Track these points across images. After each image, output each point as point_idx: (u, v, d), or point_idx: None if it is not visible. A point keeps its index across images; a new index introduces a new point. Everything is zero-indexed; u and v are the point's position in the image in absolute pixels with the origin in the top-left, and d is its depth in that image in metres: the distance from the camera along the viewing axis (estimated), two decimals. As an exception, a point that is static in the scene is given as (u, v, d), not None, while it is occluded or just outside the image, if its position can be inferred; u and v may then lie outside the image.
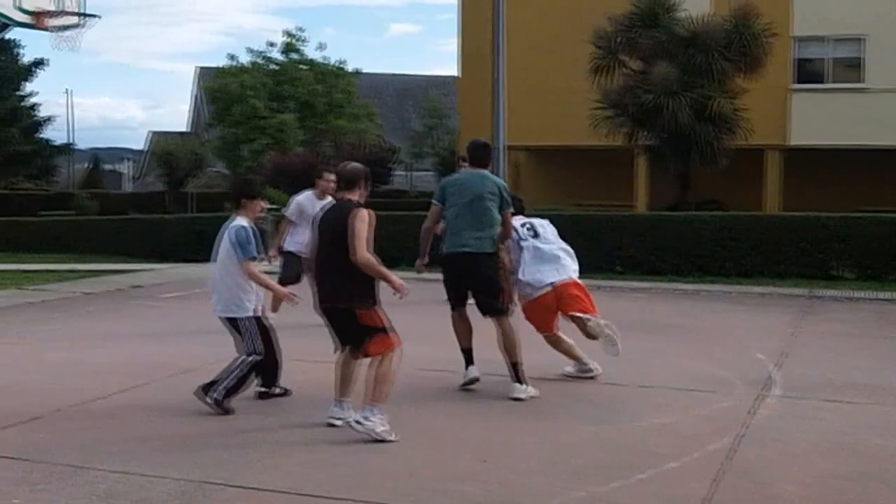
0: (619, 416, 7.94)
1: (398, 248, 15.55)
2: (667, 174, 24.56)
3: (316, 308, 7.54)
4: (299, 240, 11.68)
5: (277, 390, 8.34)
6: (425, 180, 49.69)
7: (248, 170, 37.79)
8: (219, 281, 8.08)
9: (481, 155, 9.23)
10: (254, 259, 8.00)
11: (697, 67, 22.31)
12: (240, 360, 7.96)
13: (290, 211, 11.99)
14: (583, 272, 18.14)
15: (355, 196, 7.45)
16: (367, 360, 7.31)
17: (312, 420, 7.64)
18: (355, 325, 7.23)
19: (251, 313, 8.03)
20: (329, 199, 11.58)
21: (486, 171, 9.06)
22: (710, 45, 22.30)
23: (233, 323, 8.03)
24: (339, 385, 7.51)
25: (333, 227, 7.25)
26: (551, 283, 9.23)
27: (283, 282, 11.22)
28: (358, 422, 7.02)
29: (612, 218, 19.66)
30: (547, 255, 9.38)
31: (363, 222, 7.12)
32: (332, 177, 11.61)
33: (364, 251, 7.06)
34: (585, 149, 27.58)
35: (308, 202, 11.80)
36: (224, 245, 8.02)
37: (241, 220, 8.09)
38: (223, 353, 10.06)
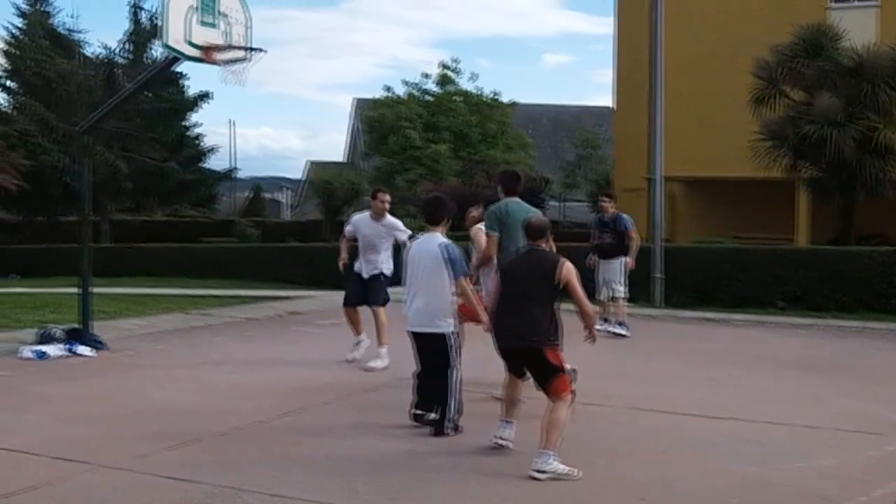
0: (782, 456, 7.69)
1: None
2: (828, 207, 23.84)
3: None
4: (362, 266, 11.86)
5: (432, 415, 8.39)
6: (578, 211, 49.38)
7: (402, 199, 38.26)
8: (427, 296, 8.22)
9: (517, 184, 9.66)
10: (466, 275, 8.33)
11: (863, 98, 21.59)
12: (443, 386, 8.16)
13: (348, 230, 12.05)
14: (743, 306, 17.92)
15: (546, 245, 7.75)
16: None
17: (463, 446, 7.69)
18: (540, 364, 7.35)
19: (456, 328, 8.29)
20: (388, 218, 11.72)
21: (520, 200, 9.49)
22: (876, 75, 21.57)
23: (437, 338, 8.20)
24: (507, 407, 7.68)
25: (532, 274, 7.45)
26: None
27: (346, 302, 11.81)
28: (540, 471, 6.95)
29: (774, 251, 19.17)
30: None
31: (575, 276, 7.43)
32: (387, 197, 11.87)
33: (588, 303, 7.47)
34: (743, 180, 27.03)
35: (363, 222, 11.88)
36: (433, 261, 8.20)
37: (442, 237, 8.35)
38: (381, 379, 10.21)
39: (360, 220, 11.95)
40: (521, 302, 7.42)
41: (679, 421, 8.86)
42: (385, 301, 11.68)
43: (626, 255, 14.87)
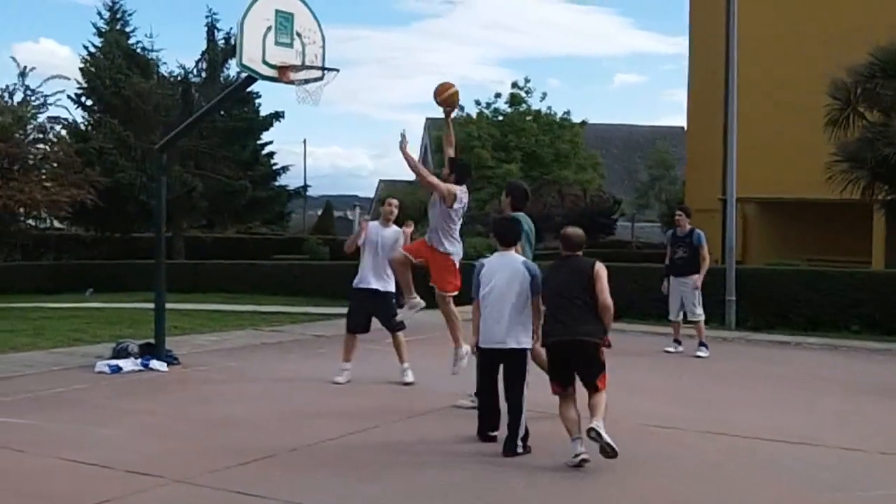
0: (859, 483, 7.55)
1: (624, 300, 15.30)
2: (906, 230, 23.44)
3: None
4: (364, 275, 11.97)
5: (494, 433, 8.44)
6: (648, 231, 49.06)
7: (471, 219, 38.30)
8: (512, 313, 8.31)
9: (526, 201, 10.01)
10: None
11: (943, 119, 21.21)
12: (515, 402, 8.23)
13: (361, 239, 12.13)
14: (817, 329, 17.60)
15: (580, 252, 8.34)
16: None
17: (535, 467, 7.66)
18: (593, 359, 7.93)
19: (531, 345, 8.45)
20: (393, 227, 11.91)
21: (524, 214, 9.82)
22: (958, 96, 21.19)
23: (517, 354, 8.31)
24: (570, 426, 7.86)
25: (574, 277, 8.09)
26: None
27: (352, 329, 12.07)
28: (599, 433, 7.47)
29: (849, 274, 18.83)
30: None
31: (605, 274, 8.08)
32: (395, 201, 12.20)
33: (609, 297, 8.02)
34: (818, 202, 26.67)
35: (374, 228, 12.02)
36: (518, 278, 8.37)
37: (520, 256, 8.56)
38: (448, 399, 10.18)
39: (371, 226, 12.11)
40: (568, 304, 7.99)
41: (753, 445, 8.72)
42: (403, 326, 11.84)
43: (698, 272, 14.76)
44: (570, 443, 7.75)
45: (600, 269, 8.10)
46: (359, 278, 12.02)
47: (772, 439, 8.85)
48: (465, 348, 9.80)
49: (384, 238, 11.79)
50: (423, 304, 10.80)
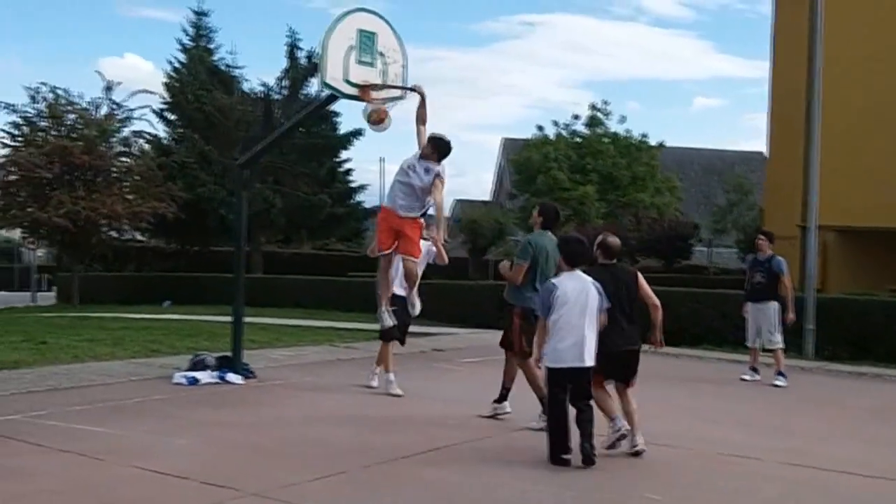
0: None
1: (701, 327, 15.18)
2: None
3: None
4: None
5: (568, 456, 8.43)
6: (725, 257, 48.48)
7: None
8: (591, 331, 8.50)
9: (556, 221, 10.42)
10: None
11: None
12: (588, 414, 8.45)
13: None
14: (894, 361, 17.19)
15: (616, 261, 9.23)
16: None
17: (601, 482, 7.57)
18: (636, 363, 9.00)
19: None
20: (423, 243, 12.08)
21: (551, 234, 10.21)
22: None
23: (591, 372, 8.53)
24: (614, 404, 8.87)
25: (622, 286, 8.95)
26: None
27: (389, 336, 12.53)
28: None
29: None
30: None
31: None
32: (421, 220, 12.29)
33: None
34: (902, 231, 26.20)
35: None
36: (593, 297, 8.56)
37: (588, 277, 8.73)
38: (523, 418, 10.14)
39: None
40: (619, 311, 8.77)
41: (832, 478, 8.55)
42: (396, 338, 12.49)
43: (777, 300, 14.55)
44: (609, 423, 8.71)
45: (641, 277, 9.17)
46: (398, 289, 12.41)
47: (851, 472, 8.67)
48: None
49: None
50: (388, 324, 11.53)
